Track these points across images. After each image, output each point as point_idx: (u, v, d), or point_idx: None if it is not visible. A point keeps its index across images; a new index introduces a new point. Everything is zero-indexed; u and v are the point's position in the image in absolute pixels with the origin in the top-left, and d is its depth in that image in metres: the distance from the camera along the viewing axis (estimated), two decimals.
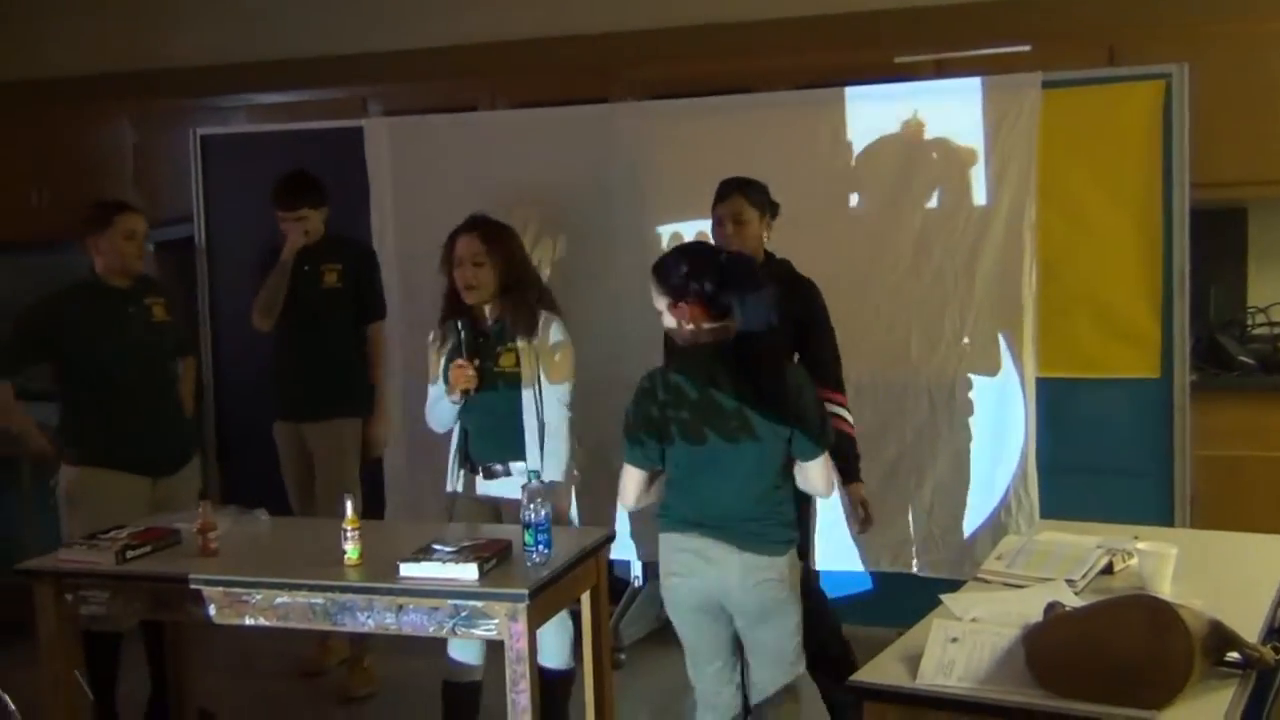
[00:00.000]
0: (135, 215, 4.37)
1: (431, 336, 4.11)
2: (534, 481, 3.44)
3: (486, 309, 3.99)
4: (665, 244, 4.77)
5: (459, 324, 3.95)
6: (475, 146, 5.16)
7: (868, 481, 3.97)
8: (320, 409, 4.80)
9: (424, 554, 3.35)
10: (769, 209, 4.01)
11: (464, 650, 3.86)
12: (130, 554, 3.58)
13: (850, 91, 4.70)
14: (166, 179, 6.29)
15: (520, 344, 3.94)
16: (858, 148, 4.68)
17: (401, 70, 6.26)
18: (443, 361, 4.02)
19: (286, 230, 4.78)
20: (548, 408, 3.94)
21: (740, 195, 3.99)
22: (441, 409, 4.05)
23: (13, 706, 4.29)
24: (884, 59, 5.30)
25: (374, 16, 6.42)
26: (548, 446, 3.92)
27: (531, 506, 3.36)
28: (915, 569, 4.65)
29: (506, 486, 3.95)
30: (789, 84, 5.17)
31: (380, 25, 6.40)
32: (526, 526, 3.37)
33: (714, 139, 4.74)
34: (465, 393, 3.92)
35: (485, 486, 4.00)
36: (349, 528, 3.43)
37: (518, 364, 3.93)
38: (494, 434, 3.96)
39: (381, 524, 3.74)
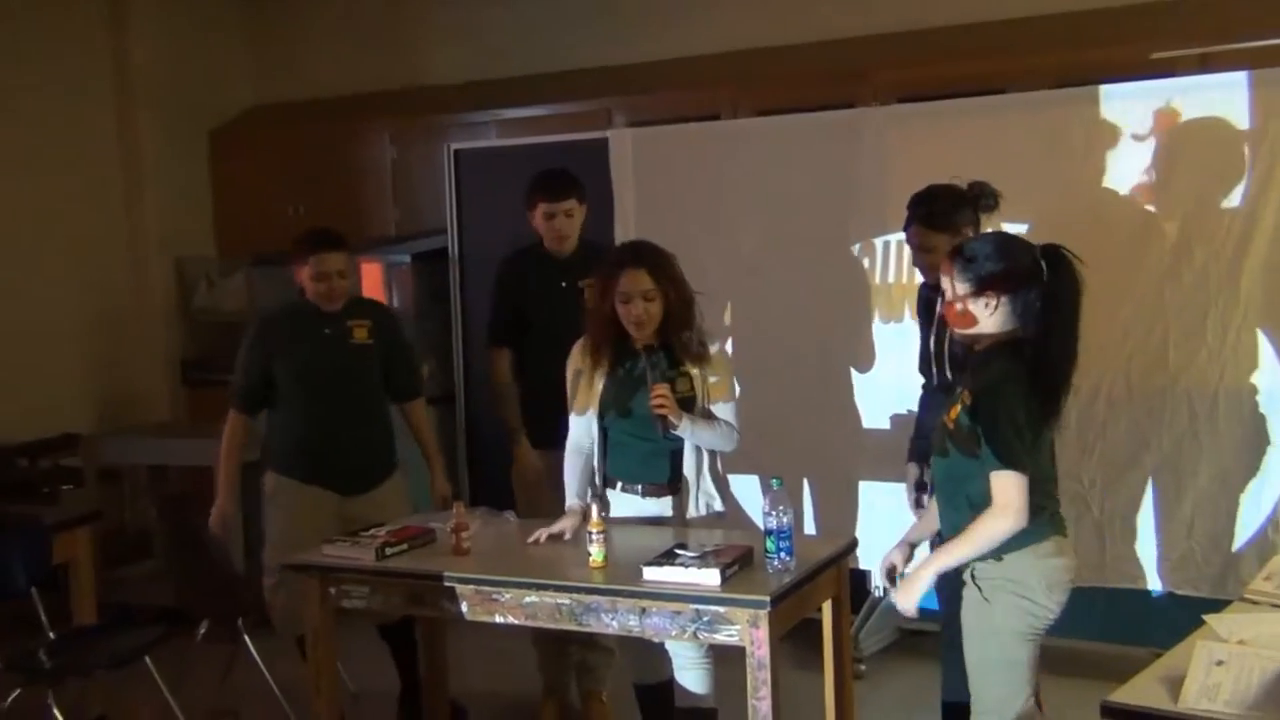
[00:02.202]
0: (330, 255, 4.31)
1: (576, 363, 3.90)
2: (777, 487, 3.41)
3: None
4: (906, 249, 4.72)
5: (642, 355, 3.75)
6: (718, 156, 5.19)
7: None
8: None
9: (667, 558, 3.39)
10: (969, 216, 3.83)
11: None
12: (389, 551, 3.74)
13: (1105, 90, 4.53)
14: (423, 192, 6.59)
15: (691, 369, 3.79)
16: (1112, 148, 4.50)
17: (645, 81, 6.35)
18: (599, 392, 3.83)
19: (548, 227, 4.41)
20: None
21: (919, 225, 3.86)
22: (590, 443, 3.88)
23: (278, 690, 4.55)
24: (1140, 55, 5.09)
25: (618, 29, 6.54)
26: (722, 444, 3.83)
27: (774, 513, 3.35)
28: (1163, 587, 4.44)
29: (628, 504, 3.87)
30: (1040, 83, 5.00)
31: (624, 37, 6.51)
32: (768, 533, 3.37)
33: (963, 142, 4.64)
34: (667, 425, 3.68)
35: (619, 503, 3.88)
36: (594, 530, 3.50)
37: (692, 389, 3.78)
38: (638, 455, 3.84)
39: (625, 528, 3.79)
